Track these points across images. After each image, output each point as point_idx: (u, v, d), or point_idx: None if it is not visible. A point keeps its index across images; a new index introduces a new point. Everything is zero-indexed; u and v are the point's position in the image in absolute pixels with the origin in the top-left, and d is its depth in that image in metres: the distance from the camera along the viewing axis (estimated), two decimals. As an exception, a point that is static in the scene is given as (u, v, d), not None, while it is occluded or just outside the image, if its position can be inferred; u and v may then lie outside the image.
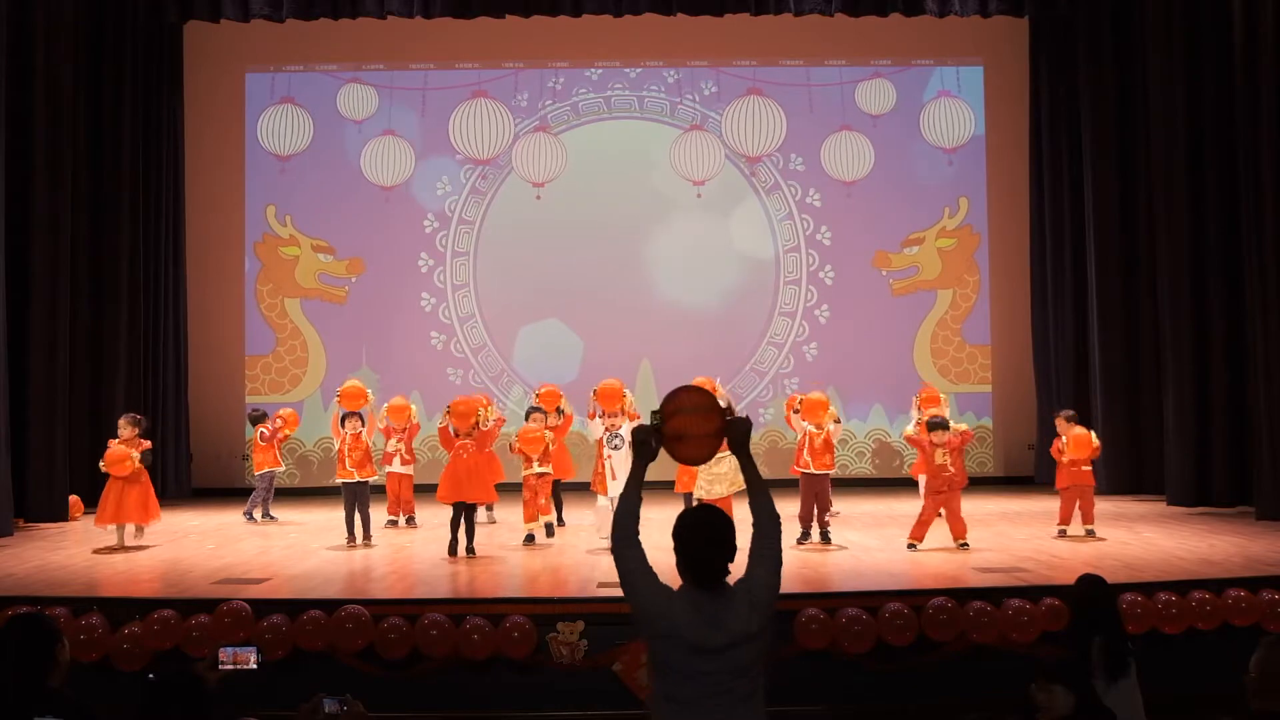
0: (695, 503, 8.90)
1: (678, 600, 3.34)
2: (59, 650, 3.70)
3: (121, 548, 8.85)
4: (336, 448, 9.32)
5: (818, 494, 8.84)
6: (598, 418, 8.88)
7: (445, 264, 13.82)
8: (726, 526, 3.38)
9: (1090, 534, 8.91)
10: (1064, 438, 9.18)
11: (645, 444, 3.48)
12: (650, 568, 3.39)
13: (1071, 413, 9.65)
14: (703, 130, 13.89)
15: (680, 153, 13.87)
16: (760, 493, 3.47)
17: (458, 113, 13.83)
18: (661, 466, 10.89)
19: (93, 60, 11.82)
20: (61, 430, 10.88)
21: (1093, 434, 9.23)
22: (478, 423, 8.61)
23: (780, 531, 3.45)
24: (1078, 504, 9.02)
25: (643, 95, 13.94)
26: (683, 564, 3.39)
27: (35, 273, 10.69)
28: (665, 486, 10.68)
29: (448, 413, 8.77)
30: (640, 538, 3.44)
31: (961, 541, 8.44)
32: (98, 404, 11.74)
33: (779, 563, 3.42)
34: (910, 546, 8.49)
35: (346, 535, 8.98)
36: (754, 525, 3.45)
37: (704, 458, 3.58)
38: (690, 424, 3.45)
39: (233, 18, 11.80)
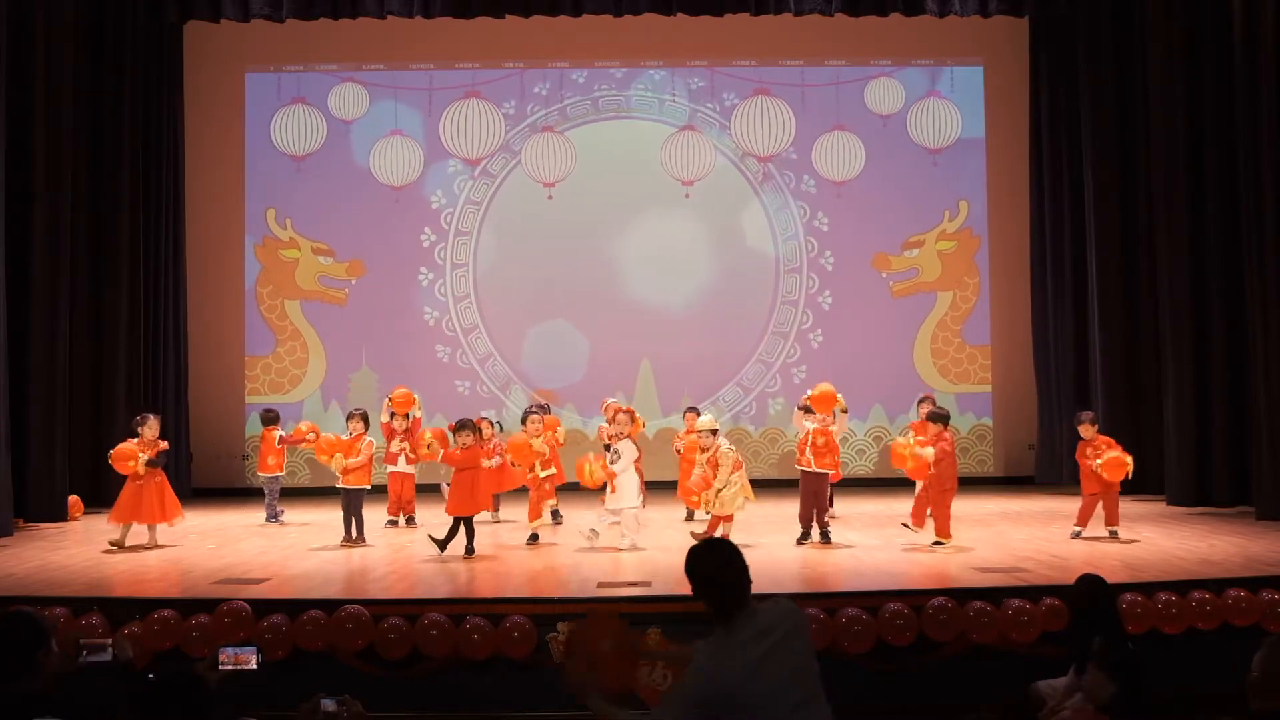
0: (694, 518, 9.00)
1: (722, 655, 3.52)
2: (42, 655, 3.65)
3: (123, 547, 8.83)
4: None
5: (816, 493, 8.85)
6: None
7: (445, 265, 13.80)
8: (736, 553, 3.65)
9: (1114, 535, 8.85)
10: (1094, 450, 8.95)
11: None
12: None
13: (1092, 414, 9.50)
14: (703, 130, 13.89)
15: (680, 153, 13.87)
16: None
17: (458, 113, 13.83)
18: (662, 467, 10.89)
19: (93, 60, 11.82)
20: (61, 430, 10.88)
21: (1128, 458, 8.89)
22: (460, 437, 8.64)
23: None
24: (1100, 505, 8.95)
25: (643, 95, 13.93)
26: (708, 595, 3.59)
27: (35, 273, 10.69)
28: (669, 486, 10.69)
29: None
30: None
31: (934, 540, 8.46)
32: (98, 404, 11.76)
33: None
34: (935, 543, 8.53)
35: (344, 535, 9.00)
36: None
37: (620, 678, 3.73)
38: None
39: (233, 18, 11.81)
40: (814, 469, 8.83)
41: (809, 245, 13.86)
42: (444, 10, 11.79)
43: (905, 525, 8.66)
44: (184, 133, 13.30)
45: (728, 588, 3.55)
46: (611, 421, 8.86)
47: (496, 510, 10.16)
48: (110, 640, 4.40)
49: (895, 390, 13.52)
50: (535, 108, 13.87)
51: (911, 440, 8.94)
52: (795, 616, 3.61)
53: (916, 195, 13.86)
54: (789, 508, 9.16)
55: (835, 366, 13.69)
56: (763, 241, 13.88)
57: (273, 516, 10.55)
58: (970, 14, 12.12)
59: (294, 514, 10.88)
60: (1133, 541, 8.73)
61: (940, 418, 8.71)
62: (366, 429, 9.34)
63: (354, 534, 9.03)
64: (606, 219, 13.79)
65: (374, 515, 9.60)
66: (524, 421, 9.29)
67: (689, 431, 9.47)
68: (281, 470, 10.78)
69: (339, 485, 9.14)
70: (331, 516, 10.18)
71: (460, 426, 8.64)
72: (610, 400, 10.08)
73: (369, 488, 9.25)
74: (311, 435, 10.39)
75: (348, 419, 9.37)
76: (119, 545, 8.83)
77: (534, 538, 8.93)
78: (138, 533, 9.02)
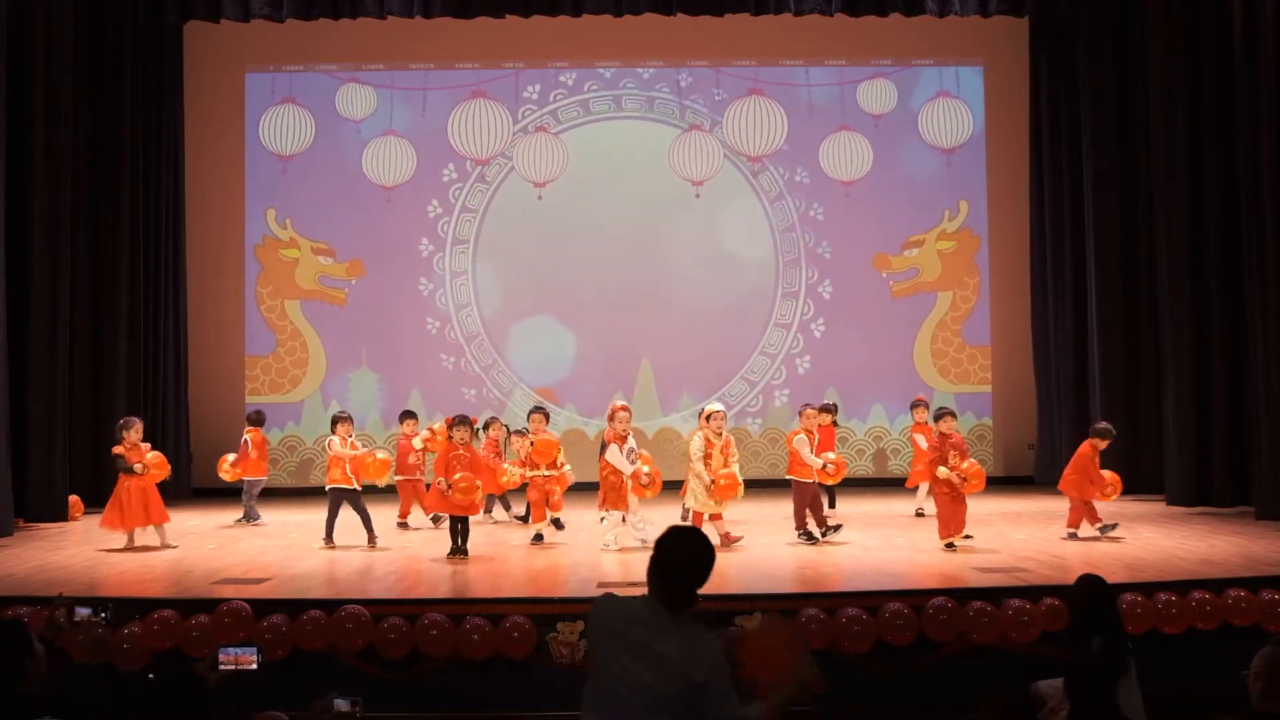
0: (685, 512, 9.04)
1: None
2: (29, 660, 3.65)
3: (132, 545, 8.86)
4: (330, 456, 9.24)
5: (799, 495, 8.94)
6: (625, 446, 8.81)
7: (445, 274, 13.81)
8: (705, 552, 3.39)
9: (1105, 530, 8.85)
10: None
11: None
12: None
13: (1105, 426, 9.45)
14: (702, 130, 13.89)
15: (680, 153, 13.87)
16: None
17: (457, 113, 13.83)
18: (663, 466, 10.75)
19: (93, 60, 11.81)
20: (61, 430, 10.87)
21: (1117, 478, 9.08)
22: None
23: None
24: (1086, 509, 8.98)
25: (643, 95, 13.93)
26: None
27: (35, 273, 10.69)
28: (668, 487, 10.68)
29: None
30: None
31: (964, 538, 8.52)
32: (98, 404, 11.75)
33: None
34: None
35: (368, 538, 8.93)
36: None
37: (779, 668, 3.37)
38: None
39: (233, 18, 11.80)
40: (801, 478, 9.02)
41: (806, 237, 13.87)
42: (444, 10, 11.79)
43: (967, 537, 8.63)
44: (184, 133, 13.29)
45: (676, 580, 3.31)
46: (613, 419, 8.88)
47: (489, 510, 10.17)
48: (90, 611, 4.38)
49: (895, 390, 13.53)
50: (532, 109, 13.86)
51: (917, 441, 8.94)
52: (705, 671, 3.17)
53: (916, 195, 13.86)
54: (784, 507, 9.18)
55: (838, 355, 13.74)
56: (760, 235, 13.87)
57: (253, 516, 10.55)
58: (970, 14, 12.12)
59: (293, 514, 10.90)
60: (1105, 539, 8.75)
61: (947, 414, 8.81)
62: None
63: (328, 535, 8.99)
64: (603, 220, 13.78)
65: (385, 518, 9.60)
66: (529, 419, 9.30)
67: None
68: (265, 473, 10.84)
69: (326, 486, 9.11)
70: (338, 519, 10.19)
71: (458, 422, 8.64)
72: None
73: (353, 488, 9.06)
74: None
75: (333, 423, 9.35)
76: (129, 546, 8.86)
77: (538, 538, 8.92)
78: (144, 533, 9.02)
